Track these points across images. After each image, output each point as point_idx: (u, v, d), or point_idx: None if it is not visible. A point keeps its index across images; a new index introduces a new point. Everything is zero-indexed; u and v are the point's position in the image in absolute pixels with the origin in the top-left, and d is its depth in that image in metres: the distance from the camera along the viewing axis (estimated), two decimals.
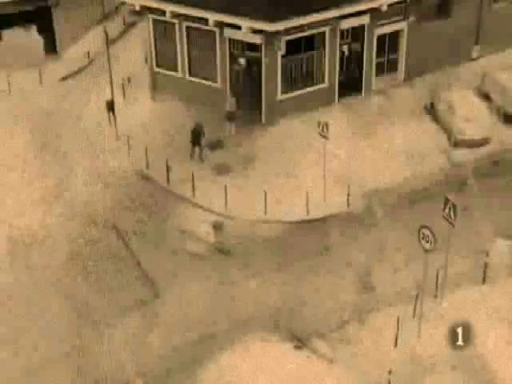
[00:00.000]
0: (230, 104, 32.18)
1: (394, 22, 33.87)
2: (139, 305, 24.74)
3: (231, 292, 25.05)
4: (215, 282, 25.48)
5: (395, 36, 34.37)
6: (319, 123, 27.76)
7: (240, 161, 30.71)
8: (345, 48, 33.17)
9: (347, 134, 31.28)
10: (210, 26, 31.75)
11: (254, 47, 31.63)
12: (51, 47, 41.18)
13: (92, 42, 41.22)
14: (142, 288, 25.49)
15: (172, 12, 32.67)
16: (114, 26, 42.15)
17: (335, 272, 25.49)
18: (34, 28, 40.68)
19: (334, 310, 24.00)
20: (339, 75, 33.23)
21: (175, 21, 33.21)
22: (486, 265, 24.10)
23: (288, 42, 30.79)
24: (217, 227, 27.43)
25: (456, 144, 31.02)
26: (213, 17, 31.16)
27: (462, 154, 30.60)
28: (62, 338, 23.76)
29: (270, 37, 30.40)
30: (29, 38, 40.52)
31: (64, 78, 39.34)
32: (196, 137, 30.79)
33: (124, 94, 35.67)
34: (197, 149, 31.06)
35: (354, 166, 30.09)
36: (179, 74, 34.35)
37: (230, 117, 32.08)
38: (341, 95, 33.51)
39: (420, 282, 22.57)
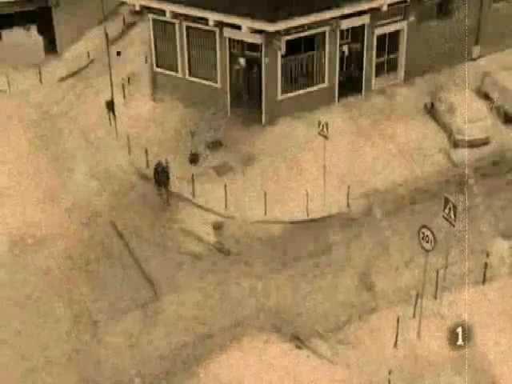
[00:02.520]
0: (191, 144, 30.37)
1: (394, 21, 33.86)
2: (139, 305, 24.74)
3: (231, 292, 25.05)
4: (215, 282, 25.46)
5: (395, 36, 34.33)
6: (319, 123, 27.75)
7: (240, 161, 30.69)
8: (345, 48, 33.15)
9: (347, 134, 31.26)
10: (210, 26, 31.72)
11: (254, 47, 31.61)
12: (51, 47, 41.09)
13: (92, 41, 41.18)
14: (142, 288, 25.47)
15: (172, 12, 32.63)
16: (114, 26, 42.10)
17: (335, 272, 25.48)
18: (34, 28, 40.62)
19: (334, 310, 24.00)
20: (339, 75, 33.21)
21: (175, 21, 33.19)
22: (485, 265, 24.11)
23: (288, 42, 30.76)
24: (217, 227, 27.40)
25: (456, 144, 31.00)
26: (213, 17, 31.14)
27: (462, 154, 30.58)
28: (61, 338, 23.72)
29: (270, 37, 30.38)
30: (29, 37, 40.45)
31: (64, 78, 39.30)
32: (161, 176, 28.43)
33: (124, 94, 35.63)
34: (163, 190, 28.72)
35: (354, 166, 30.06)
36: (179, 74, 34.31)
37: (194, 159, 30.45)
38: (341, 95, 33.49)
39: (420, 282, 22.59)
